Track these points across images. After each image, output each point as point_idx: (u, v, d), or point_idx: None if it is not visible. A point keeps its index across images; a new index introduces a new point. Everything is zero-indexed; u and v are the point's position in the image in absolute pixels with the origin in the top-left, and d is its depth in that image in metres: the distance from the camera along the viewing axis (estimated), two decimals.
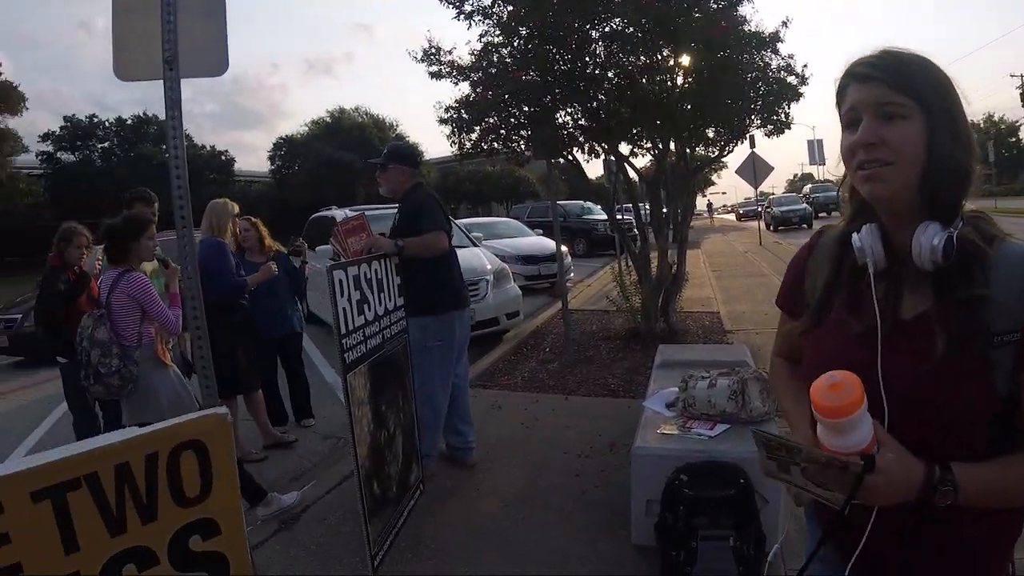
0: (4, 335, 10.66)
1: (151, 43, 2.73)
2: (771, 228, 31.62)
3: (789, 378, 1.64)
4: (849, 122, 1.25)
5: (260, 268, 5.50)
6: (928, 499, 1.13)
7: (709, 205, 50.96)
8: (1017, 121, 55.73)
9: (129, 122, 40.55)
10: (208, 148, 44.41)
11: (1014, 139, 58.57)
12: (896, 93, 1.18)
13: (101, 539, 1.31)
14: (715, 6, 6.97)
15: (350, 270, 3.24)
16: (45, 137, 38.71)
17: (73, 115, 40.04)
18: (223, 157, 44.76)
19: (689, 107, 7.32)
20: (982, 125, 67.79)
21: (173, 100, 2.65)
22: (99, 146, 39.90)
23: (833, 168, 1.42)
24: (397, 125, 49.24)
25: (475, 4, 7.57)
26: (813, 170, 63.10)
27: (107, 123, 40.23)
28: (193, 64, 2.79)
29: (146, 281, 4.05)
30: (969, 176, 1.22)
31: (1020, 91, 46.53)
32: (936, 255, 1.17)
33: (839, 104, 1.30)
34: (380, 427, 3.49)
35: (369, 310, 3.41)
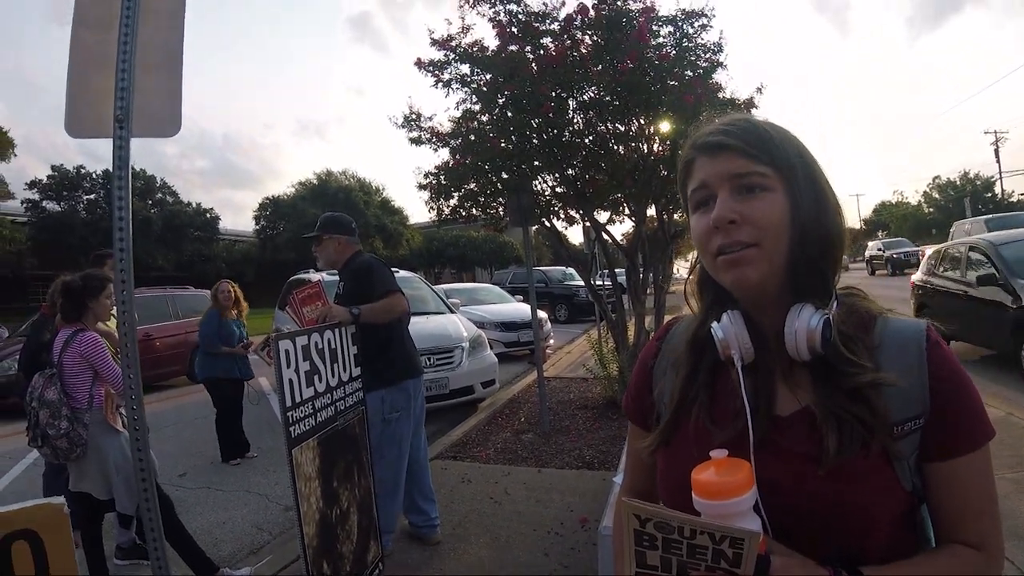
0: None
1: (104, 100, 2.66)
2: None
3: None
4: (700, 202, 1.08)
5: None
6: None
7: None
8: (992, 176, 56.51)
9: None
10: (194, 205, 44.51)
11: (990, 194, 59.09)
12: (754, 162, 1.03)
13: None
14: (690, 74, 7.02)
15: (298, 340, 3.08)
16: (32, 185, 38.28)
17: (61, 164, 40.07)
18: (208, 215, 44.87)
19: (665, 172, 7.32)
20: (958, 182, 68.89)
21: (122, 159, 2.56)
22: (85, 197, 39.40)
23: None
24: (383, 189, 49.64)
25: (453, 73, 7.63)
26: None
27: (94, 175, 39.81)
28: (145, 123, 2.71)
29: (99, 340, 3.92)
30: (840, 248, 1.07)
31: (994, 147, 47.34)
32: (815, 341, 1.00)
33: (684, 184, 1.13)
34: (331, 503, 3.31)
35: (320, 381, 3.24)
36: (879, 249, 35.24)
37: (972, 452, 1.01)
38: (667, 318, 9.11)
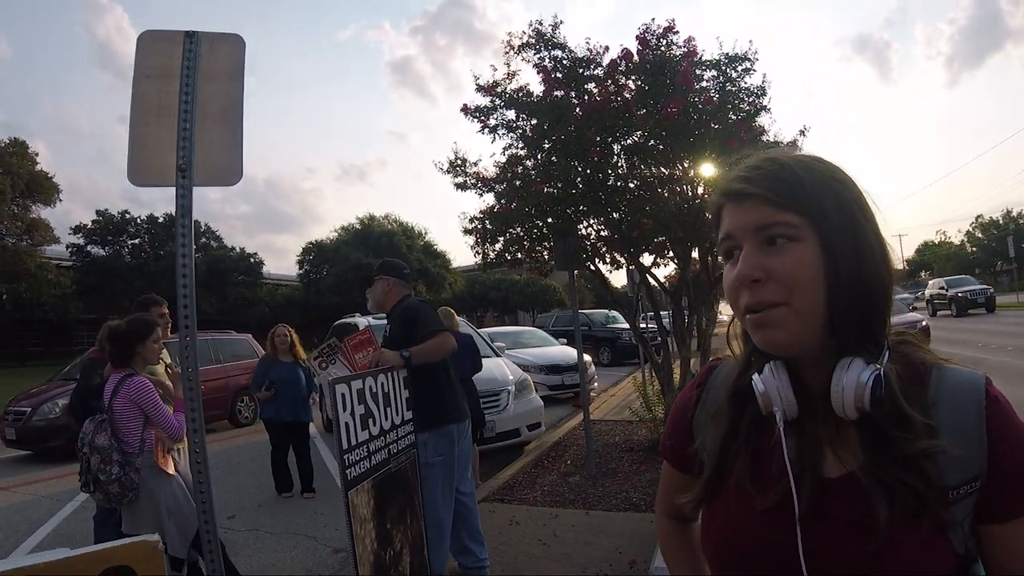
0: (12, 428, 10.53)
1: (166, 150, 2.76)
2: None
3: (682, 545, 1.36)
4: (727, 253, 1.00)
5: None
6: None
7: None
8: None
9: (161, 220, 40.44)
10: (237, 250, 45.11)
11: None
12: (780, 211, 0.93)
13: None
14: (734, 117, 7.05)
15: (354, 384, 3.13)
16: (77, 230, 38.95)
17: (106, 209, 40.47)
18: (252, 259, 45.39)
19: (710, 216, 7.32)
20: (1001, 221, 67.89)
21: (185, 208, 2.66)
22: (130, 242, 40.01)
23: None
24: (426, 232, 49.90)
25: (499, 118, 7.76)
26: None
27: (139, 220, 40.34)
28: (207, 173, 2.81)
29: (149, 385, 3.97)
30: (887, 300, 0.97)
31: None
32: (863, 399, 0.90)
33: (716, 229, 1.04)
34: (385, 545, 3.32)
35: (374, 424, 3.27)
36: (941, 288, 32.28)
37: None
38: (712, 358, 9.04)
